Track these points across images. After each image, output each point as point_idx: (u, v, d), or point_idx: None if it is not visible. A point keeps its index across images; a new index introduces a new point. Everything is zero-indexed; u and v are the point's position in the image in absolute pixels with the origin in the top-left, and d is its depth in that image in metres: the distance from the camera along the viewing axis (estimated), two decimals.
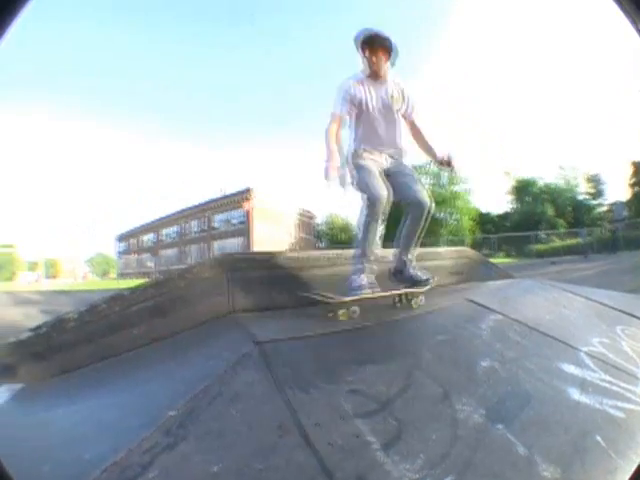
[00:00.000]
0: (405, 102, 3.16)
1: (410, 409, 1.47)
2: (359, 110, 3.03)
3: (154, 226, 48.22)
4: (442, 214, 33.13)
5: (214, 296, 2.78)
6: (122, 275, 46.44)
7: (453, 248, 4.94)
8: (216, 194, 40.49)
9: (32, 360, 2.25)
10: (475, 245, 27.17)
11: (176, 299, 2.60)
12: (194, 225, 42.14)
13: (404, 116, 3.19)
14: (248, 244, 34.48)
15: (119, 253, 55.29)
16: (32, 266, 44.23)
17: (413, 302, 2.94)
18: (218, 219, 39.24)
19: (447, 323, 2.41)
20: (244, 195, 36.10)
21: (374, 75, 3.04)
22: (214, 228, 39.35)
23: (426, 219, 2.97)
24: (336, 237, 45.24)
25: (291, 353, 1.90)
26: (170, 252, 43.80)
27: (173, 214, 45.01)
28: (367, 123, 3.05)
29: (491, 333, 2.32)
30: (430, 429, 1.41)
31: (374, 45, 2.99)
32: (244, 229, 35.59)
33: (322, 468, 1.21)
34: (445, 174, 30.50)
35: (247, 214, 35.54)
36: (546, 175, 39.38)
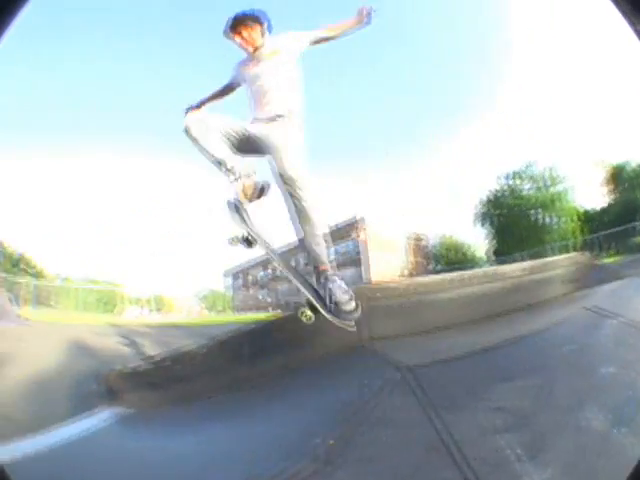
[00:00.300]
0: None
1: (547, 421, 1.45)
2: None
3: (267, 261, 49.79)
4: (546, 219, 31.21)
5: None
6: (238, 310, 48.74)
7: (562, 256, 4.66)
8: (330, 226, 40.90)
9: (147, 389, 2.40)
10: (582, 247, 26.34)
11: (311, 330, 2.69)
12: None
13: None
14: (363, 274, 34.49)
15: (233, 288, 58.80)
16: (139, 301, 45.43)
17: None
18: (330, 251, 39.44)
19: (570, 334, 2.28)
20: (355, 225, 36.11)
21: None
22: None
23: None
24: (450, 258, 43.13)
25: (433, 375, 1.92)
26: (285, 286, 45.32)
27: (284, 247, 45.95)
28: None
29: (614, 339, 2.16)
30: (565, 439, 1.35)
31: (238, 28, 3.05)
32: (358, 259, 35.38)
33: None
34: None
35: (360, 244, 35.48)
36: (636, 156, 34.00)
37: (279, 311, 30.47)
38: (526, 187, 32.11)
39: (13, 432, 2.40)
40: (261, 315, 29.78)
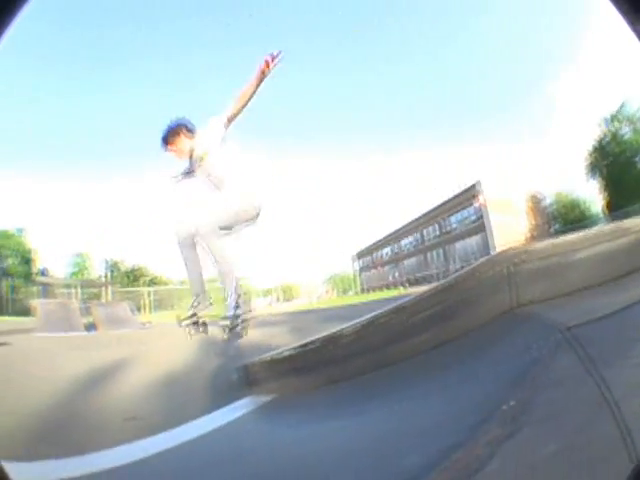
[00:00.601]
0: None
1: None
2: None
3: (390, 239, 50.29)
4: None
5: (497, 293, 2.80)
6: (365, 290, 49.44)
7: None
8: (443, 196, 39.65)
9: (292, 375, 2.49)
10: None
11: (459, 302, 2.68)
12: (430, 231, 42.19)
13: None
14: (488, 240, 32.85)
15: (359, 269, 59.24)
16: (266, 292, 46.83)
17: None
18: (452, 220, 38.51)
19: None
20: (473, 191, 34.60)
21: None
22: (450, 231, 38.72)
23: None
24: (568, 216, 39.69)
25: (590, 334, 1.85)
26: (412, 261, 45.20)
27: (407, 224, 46.09)
28: None
29: None
30: None
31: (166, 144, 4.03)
32: (481, 225, 33.84)
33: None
34: None
35: (480, 209, 33.93)
36: None
37: (407, 287, 30.32)
38: (625, 130, 27.69)
39: (147, 432, 2.36)
40: (391, 292, 30.01)
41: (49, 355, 7.49)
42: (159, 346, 8.28)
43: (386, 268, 50.09)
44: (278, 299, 43.86)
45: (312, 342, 2.62)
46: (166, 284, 52.76)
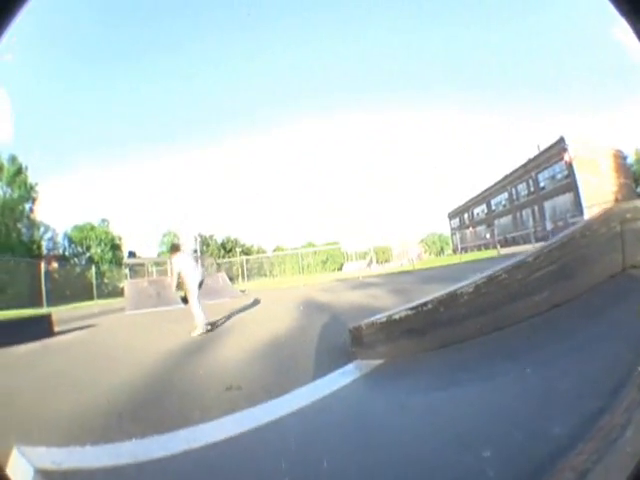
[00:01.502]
0: None
1: None
2: None
3: (482, 197, 49.16)
4: None
5: (611, 252, 2.55)
6: (459, 250, 48.39)
7: None
8: (533, 152, 37.59)
9: (404, 337, 2.36)
10: None
11: (574, 260, 2.49)
12: (521, 189, 40.56)
13: None
14: (577, 199, 30.44)
15: (453, 229, 58.17)
16: (361, 256, 46.82)
17: None
18: (542, 177, 36.24)
19: None
20: (560, 146, 31.92)
21: None
22: (541, 188, 36.60)
23: None
24: None
25: None
26: (504, 220, 43.68)
27: (498, 182, 44.78)
28: None
29: None
30: None
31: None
32: (570, 183, 31.38)
33: None
34: None
35: (568, 166, 31.35)
36: None
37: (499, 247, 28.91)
38: None
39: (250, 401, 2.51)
40: (487, 253, 28.86)
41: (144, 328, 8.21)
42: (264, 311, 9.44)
43: (479, 228, 48.72)
44: (372, 262, 41.95)
45: (425, 303, 2.51)
46: (257, 253, 56.09)
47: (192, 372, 3.93)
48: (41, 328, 7.68)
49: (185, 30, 67.95)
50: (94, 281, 25.80)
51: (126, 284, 15.78)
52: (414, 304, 2.60)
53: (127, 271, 17.50)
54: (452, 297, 2.46)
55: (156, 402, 3.06)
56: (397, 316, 2.63)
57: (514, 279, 2.36)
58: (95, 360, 5.18)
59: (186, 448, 1.78)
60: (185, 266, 6.67)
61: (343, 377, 2.55)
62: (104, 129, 63.54)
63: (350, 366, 2.72)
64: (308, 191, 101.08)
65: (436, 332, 2.47)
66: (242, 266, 30.75)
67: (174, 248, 7.26)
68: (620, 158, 35.36)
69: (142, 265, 21.25)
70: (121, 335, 7.85)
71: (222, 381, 3.35)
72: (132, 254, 48.77)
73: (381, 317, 2.74)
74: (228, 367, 4.07)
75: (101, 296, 24.66)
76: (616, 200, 30.78)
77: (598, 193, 28.61)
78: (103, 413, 2.84)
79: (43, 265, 20.03)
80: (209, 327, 6.40)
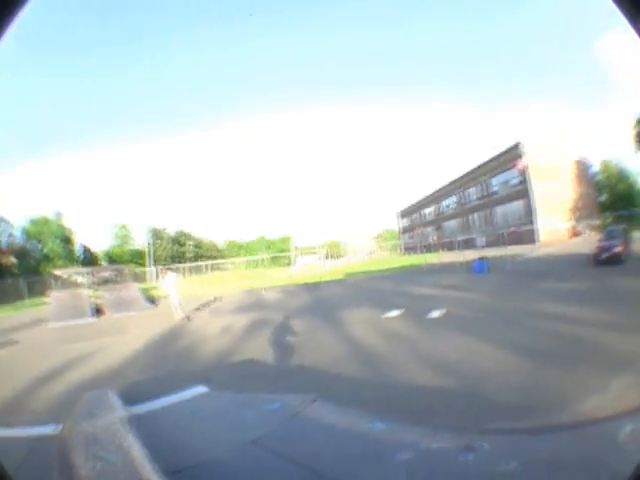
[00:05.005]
0: None
1: None
2: None
3: (432, 198, 48.80)
4: None
5: None
6: (406, 250, 48.95)
7: None
8: (486, 156, 37.14)
9: None
10: None
11: None
12: (472, 192, 39.99)
13: None
14: (529, 206, 30.62)
15: (402, 229, 58.65)
16: (311, 250, 46.73)
17: None
18: (494, 182, 35.71)
19: None
20: (515, 152, 31.60)
21: None
22: (492, 193, 36.23)
23: None
24: (615, 188, 37.32)
25: None
26: (453, 223, 43.60)
27: (448, 184, 44.53)
28: None
29: None
30: None
31: None
32: (523, 190, 31.17)
33: None
34: None
35: (522, 173, 30.99)
36: None
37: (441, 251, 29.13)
38: None
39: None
40: (428, 256, 29.07)
41: None
42: None
43: (427, 229, 49.06)
44: (324, 257, 42.56)
45: None
46: (209, 247, 56.68)
47: None
48: None
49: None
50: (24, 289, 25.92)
51: (51, 296, 16.23)
52: None
53: (53, 281, 17.57)
54: None
55: None
56: None
57: None
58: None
59: None
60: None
61: None
62: (55, 121, 63.14)
63: None
64: (262, 184, 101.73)
65: None
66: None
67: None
68: (583, 167, 35.67)
69: (70, 276, 21.20)
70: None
71: None
72: (84, 248, 48.10)
73: None
74: None
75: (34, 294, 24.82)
76: (574, 209, 31.20)
77: (556, 201, 28.95)
78: None
79: None
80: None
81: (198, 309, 13.29)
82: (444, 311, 8.12)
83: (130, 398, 2.11)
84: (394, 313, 8.55)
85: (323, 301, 12.64)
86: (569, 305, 7.21)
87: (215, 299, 15.87)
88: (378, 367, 5.16)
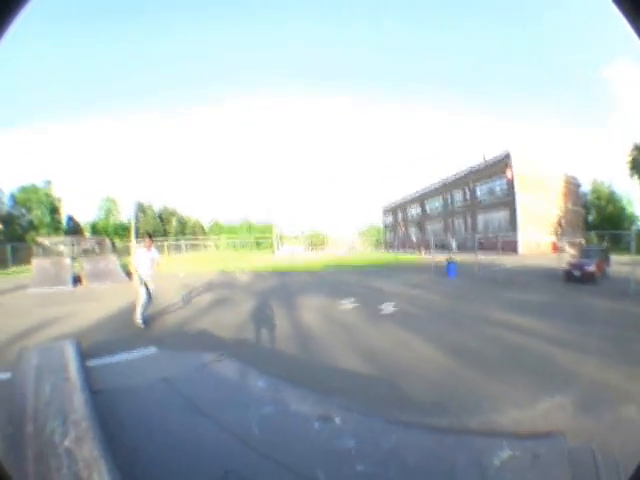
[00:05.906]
0: None
1: None
2: None
3: (417, 198, 49.13)
4: None
5: None
6: (388, 247, 49.49)
7: None
8: (477, 162, 37.38)
9: None
10: None
11: None
12: (457, 196, 40.31)
13: None
14: (513, 217, 30.85)
15: (386, 226, 59.46)
16: (294, 241, 48.93)
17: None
18: (480, 190, 36.15)
19: None
20: (504, 161, 31.89)
21: None
22: (477, 200, 36.57)
23: None
24: (604, 209, 38.29)
25: None
26: (435, 224, 44.02)
27: (437, 184, 44.68)
28: None
29: None
30: None
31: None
32: (508, 200, 31.56)
33: None
34: None
35: (509, 183, 31.37)
36: None
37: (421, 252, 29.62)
38: None
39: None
40: (407, 256, 29.49)
41: None
42: None
43: (410, 229, 49.60)
44: (306, 247, 44.87)
45: None
46: (194, 226, 56.81)
47: None
48: None
49: None
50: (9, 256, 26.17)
51: (34, 263, 16.25)
52: None
53: (37, 249, 17.67)
54: None
55: None
56: None
57: None
58: None
59: None
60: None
61: None
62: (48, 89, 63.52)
63: None
64: (252, 171, 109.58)
65: None
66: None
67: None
68: (573, 184, 36.21)
69: (55, 244, 21.35)
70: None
71: None
72: (70, 219, 47.85)
73: None
74: None
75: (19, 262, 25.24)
76: (559, 225, 31.75)
77: (540, 215, 29.50)
78: None
79: None
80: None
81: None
82: (394, 305, 8.70)
83: (88, 353, 2.39)
84: (347, 303, 9.18)
85: (290, 286, 13.21)
86: (518, 314, 7.47)
87: (184, 276, 16.19)
88: (307, 346, 5.64)
